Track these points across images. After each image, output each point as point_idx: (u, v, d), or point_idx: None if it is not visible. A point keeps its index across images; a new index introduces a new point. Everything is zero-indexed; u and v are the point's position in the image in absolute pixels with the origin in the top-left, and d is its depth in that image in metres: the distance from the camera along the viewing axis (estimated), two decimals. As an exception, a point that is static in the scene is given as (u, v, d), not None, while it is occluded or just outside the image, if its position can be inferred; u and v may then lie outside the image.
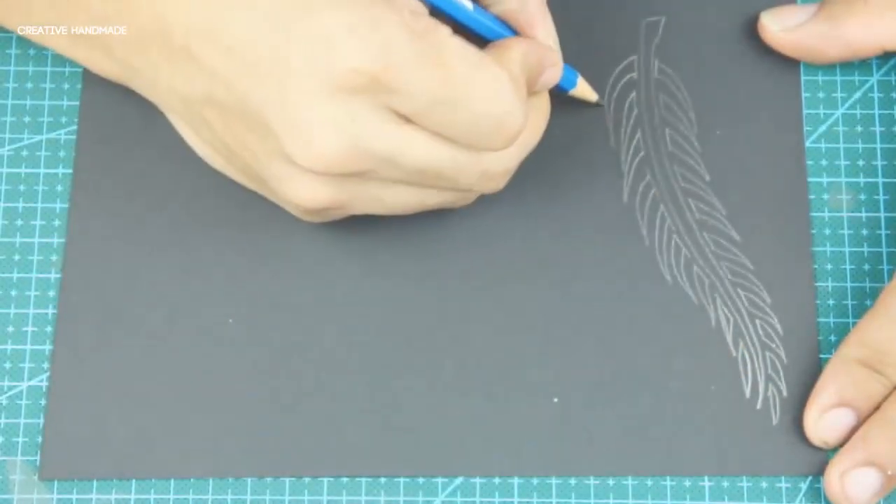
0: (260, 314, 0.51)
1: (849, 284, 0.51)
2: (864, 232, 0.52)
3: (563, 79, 0.50)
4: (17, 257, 0.52)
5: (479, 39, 0.47)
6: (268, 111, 0.43)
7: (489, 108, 0.44)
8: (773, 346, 0.50)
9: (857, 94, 0.54)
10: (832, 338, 0.50)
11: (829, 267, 0.51)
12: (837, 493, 0.48)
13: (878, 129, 0.53)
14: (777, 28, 0.53)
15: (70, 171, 0.53)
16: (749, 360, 0.50)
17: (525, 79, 0.46)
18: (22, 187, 0.53)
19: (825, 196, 0.52)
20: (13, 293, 0.51)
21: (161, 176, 0.52)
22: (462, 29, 0.46)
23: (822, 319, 0.51)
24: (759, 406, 0.50)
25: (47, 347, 0.51)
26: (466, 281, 0.51)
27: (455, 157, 0.45)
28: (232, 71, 0.43)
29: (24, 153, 0.53)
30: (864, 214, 0.52)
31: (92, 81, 0.53)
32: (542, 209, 0.52)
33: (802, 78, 0.54)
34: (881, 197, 0.52)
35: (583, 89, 0.52)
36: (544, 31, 0.48)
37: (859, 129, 0.53)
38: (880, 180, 0.52)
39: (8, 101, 0.54)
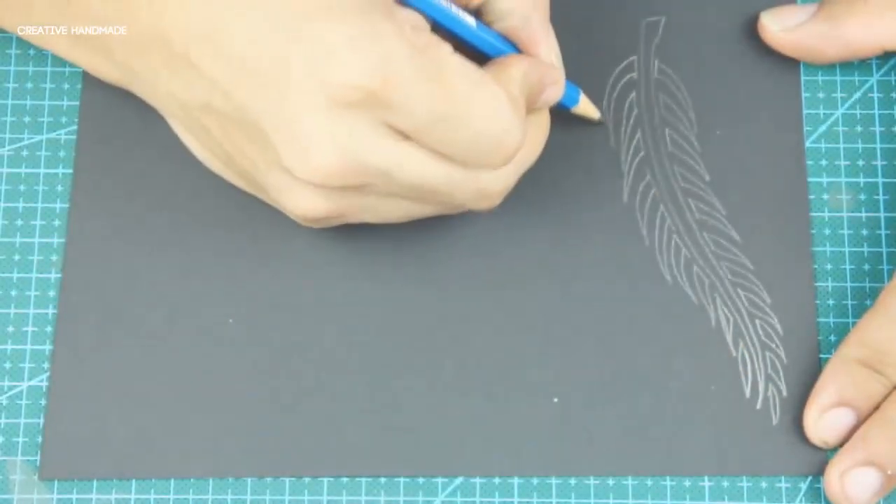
0: (260, 314, 0.51)
1: (849, 284, 0.51)
2: (864, 232, 0.52)
3: (565, 96, 0.49)
4: (17, 257, 0.52)
5: (481, 56, 0.47)
6: (266, 122, 0.43)
7: (487, 127, 0.43)
8: (773, 346, 0.50)
9: (857, 94, 0.54)
10: (832, 338, 0.50)
11: (829, 267, 0.51)
12: (837, 493, 0.48)
13: (878, 129, 0.53)
14: (777, 28, 0.53)
15: (70, 171, 0.53)
16: (749, 360, 0.50)
17: (525, 97, 0.45)
18: (22, 187, 0.53)
19: (825, 196, 0.52)
20: (13, 293, 0.51)
21: (161, 176, 0.52)
22: (464, 45, 0.46)
23: (822, 319, 0.51)
24: (759, 406, 0.50)
25: (47, 347, 0.51)
26: (466, 281, 0.51)
27: (451, 174, 0.44)
28: (231, 80, 0.43)
29: (24, 153, 0.53)
30: (864, 214, 0.52)
31: (92, 81, 0.53)
32: (542, 209, 0.52)
33: (802, 78, 0.54)
34: (881, 197, 0.52)
35: (585, 107, 0.52)
36: (546, 48, 0.48)
37: (859, 129, 0.53)
38: (880, 180, 0.52)
39: (8, 101, 0.54)
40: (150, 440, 0.49)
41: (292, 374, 0.50)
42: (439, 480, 0.49)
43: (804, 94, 0.53)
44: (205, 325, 0.51)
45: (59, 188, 0.53)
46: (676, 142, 0.53)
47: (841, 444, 0.48)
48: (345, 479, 0.49)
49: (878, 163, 0.53)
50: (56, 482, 0.49)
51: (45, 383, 0.50)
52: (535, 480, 0.49)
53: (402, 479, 0.49)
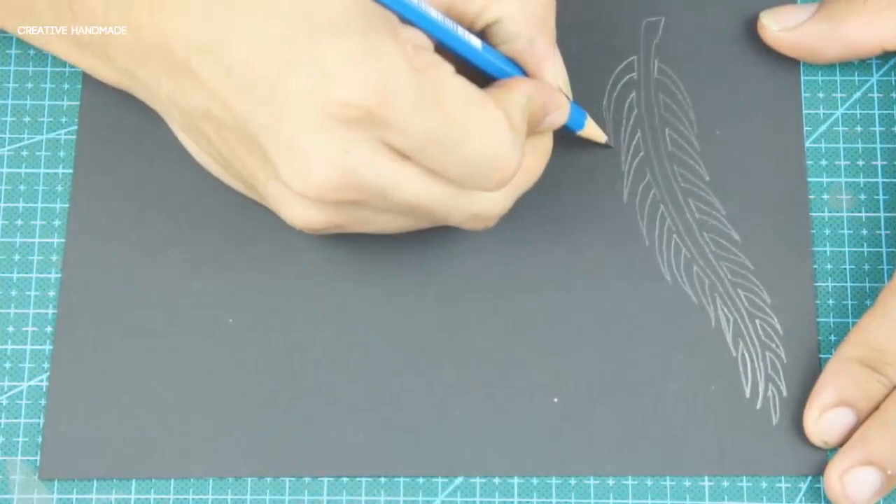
0: (260, 314, 0.51)
1: (849, 284, 0.51)
2: (864, 232, 0.52)
3: (571, 119, 0.49)
4: (17, 257, 0.52)
5: (486, 77, 0.46)
6: (264, 135, 0.43)
7: (483, 150, 0.43)
8: (773, 346, 0.50)
9: (857, 94, 0.54)
10: (832, 338, 0.50)
11: (829, 267, 0.51)
12: (837, 493, 0.48)
13: (878, 129, 0.53)
14: (777, 28, 0.53)
15: (70, 171, 0.53)
16: (749, 360, 0.50)
17: (526, 121, 0.45)
18: (22, 187, 0.53)
19: (825, 196, 0.52)
20: (13, 293, 0.51)
21: (161, 176, 0.52)
22: (469, 66, 0.46)
23: (822, 319, 0.51)
24: (759, 406, 0.50)
25: (47, 347, 0.51)
26: (466, 281, 0.51)
27: (447, 195, 0.44)
28: (230, 91, 0.43)
29: (24, 153, 0.53)
30: (864, 214, 0.52)
31: (92, 81, 0.53)
32: (542, 209, 0.52)
33: (802, 78, 0.54)
34: (881, 197, 0.52)
35: (591, 131, 0.51)
36: (552, 71, 0.48)
37: (859, 129, 0.53)
38: (880, 180, 0.52)
39: (8, 101, 0.54)
40: (150, 440, 0.49)
41: (292, 374, 0.50)
42: (439, 480, 0.49)
43: (804, 94, 0.53)
44: (205, 325, 0.51)
45: (59, 188, 0.53)
46: (676, 142, 0.53)
47: (841, 444, 0.48)
48: (345, 479, 0.49)
49: (878, 163, 0.53)
50: (56, 482, 0.49)
51: (45, 383, 0.50)
52: (535, 480, 0.49)
53: (402, 479, 0.49)
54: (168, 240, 0.52)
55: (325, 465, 0.49)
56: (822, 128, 0.53)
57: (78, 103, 0.53)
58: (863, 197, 0.52)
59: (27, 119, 0.53)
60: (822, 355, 0.50)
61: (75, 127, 0.53)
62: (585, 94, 0.52)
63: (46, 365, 0.51)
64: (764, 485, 0.49)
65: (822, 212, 0.52)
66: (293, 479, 0.49)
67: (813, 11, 0.52)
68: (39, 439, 0.50)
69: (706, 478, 0.49)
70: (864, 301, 0.51)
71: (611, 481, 0.49)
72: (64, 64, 0.54)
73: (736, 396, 0.50)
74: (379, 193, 0.43)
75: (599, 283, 0.51)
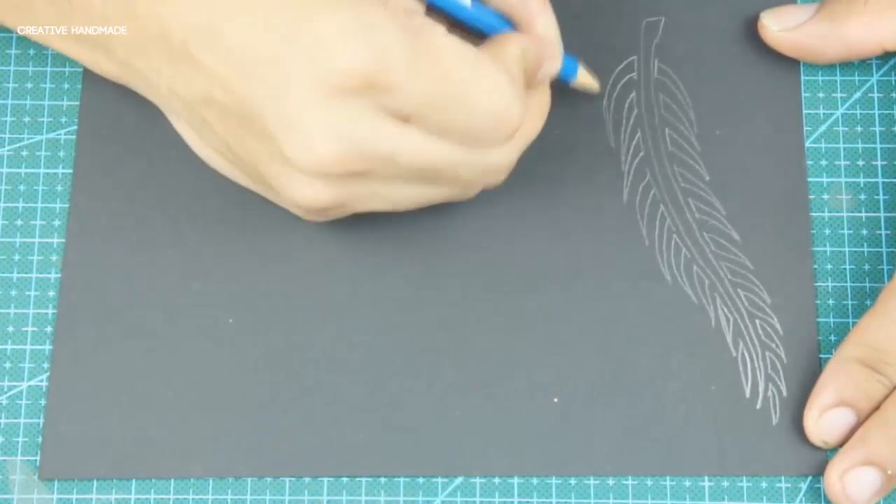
0: (260, 314, 0.51)
1: (849, 284, 0.51)
2: (864, 232, 0.52)
3: (564, 69, 0.49)
4: (17, 257, 0.52)
5: (478, 34, 0.47)
6: (266, 114, 0.43)
7: (486, 106, 0.44)
8: (773, 346, 0.50)
9: (857, 94, 0.54)
10: (832, 338, 0.50)
11: (829, 267, 0.51)
12: (837, 493, 0.48)
13: (878, 129, 0.53)
14: (777, 28, 0.53)
15: (70, 171, 0.53)
16: (749, 360, 0.50)
17: (522, 73, 0.46)
18: (22, 187, 0.53)
19: (825, 196, 0.52)
20: (13, 293, 0.51)
21: (161, 176, 0.52)
22: (460, 24, 0.47)
23: (822, 319, 0.51)
24: (759, 406, 0.50)
25: (47, 347, 0.51)
26: (466, 281, 0.51)
27: (454, 154, 0.45)
28: (230, 73, 0.43)
29: (24, 153, 0.53)
30: (864, 214, 0.52)
31: (92, 81, 0.53)
32: (542, 209, 0.52)
33: (802, 78, 0.54)
34: (881, 197, 0.52)
35: (584, 79, 0.52)
36: (544, 23, 0.48)
37: (859, 129, 0.53)
38: (880, 180, 0.52)
39: (8, 101, 0.54)
40: (150, 440, 0.49)
41: (292, 374, 0.50)
42: (439, 480, 0.49)
43: (804, 94, 0.53)
44: (205, 325, 0.51)
45: (59, 188, 0.53)
46: (676, 142, 0.53)
47: (841, 444, 0.48)
48: (345, 479, 0.49)
49: (878, 163, 0.53)
50: (56, 482, 0.49)
51: (45, 383, 0.50)
52: (535, 480, 0.49)
53: (402, 479, 0.49)
54: (168, 240, 0.52)
55: (325, 465, 0.49)
56: (822, 128, 0.53)
57: (78, 103, 0.53)
58: (863, 197, 0.52)
59: (27, 119, 0.53)
60: (822, 355, 0.50)
61: (75, 127, 0.53)
62: (585, 93, 0.52)
63: (46, 365, 0.50)
64: (764, 485, 0.49)
65: (822, 212, 0.52)
66: (293, 479, 0.49)
67: (813, 11, 0.52)
68: (39, 439, 0.50)
69: (706, 478, 0.49)
70: (864, 301, 0.51)
71: (611, 481, 0.49)
72: (64, 64, 0.54)
73: (736, 396, 0.50)
74: (385, 160, 0.44)
75: (599, 283, 0.51)
